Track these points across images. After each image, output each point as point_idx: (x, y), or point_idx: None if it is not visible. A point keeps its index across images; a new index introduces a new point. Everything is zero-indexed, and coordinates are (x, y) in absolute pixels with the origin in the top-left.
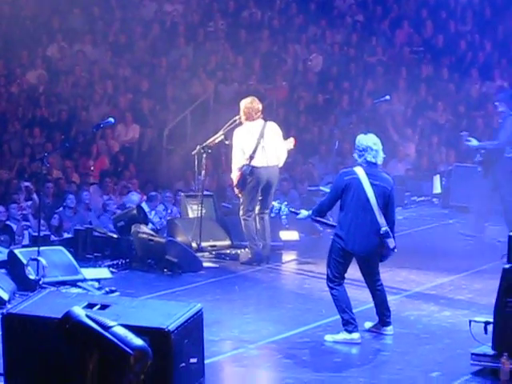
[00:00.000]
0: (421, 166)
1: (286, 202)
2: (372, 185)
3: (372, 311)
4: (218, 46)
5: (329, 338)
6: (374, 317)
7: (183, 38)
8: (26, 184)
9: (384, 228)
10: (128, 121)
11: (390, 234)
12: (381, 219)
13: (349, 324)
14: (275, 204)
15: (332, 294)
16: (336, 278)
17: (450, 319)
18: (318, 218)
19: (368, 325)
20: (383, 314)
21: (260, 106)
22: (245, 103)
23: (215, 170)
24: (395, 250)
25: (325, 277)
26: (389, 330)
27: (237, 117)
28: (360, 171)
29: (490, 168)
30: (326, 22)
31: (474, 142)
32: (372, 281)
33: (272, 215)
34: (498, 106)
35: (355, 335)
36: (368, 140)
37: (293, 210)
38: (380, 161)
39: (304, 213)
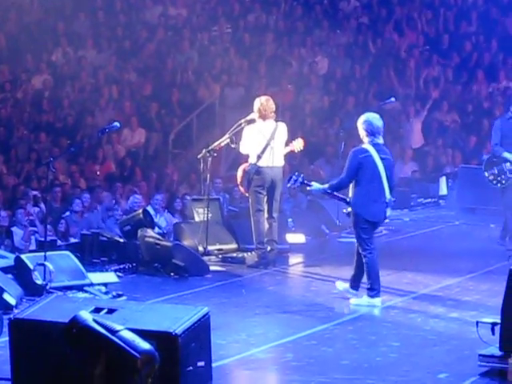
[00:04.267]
0: (427, 168)
1: (302, 174)
2: (381, 159)
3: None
4: (223, 50)
5: (353, 301)
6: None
7: (188, 41)
8: (34, 193)
9: (389, 197)
10: (134, 125)
11: (391, 203)
12: (387, 189)
13: (373, 290)
14: (294, 177)
15: (365, 259)
16: (367, 246)
17: (458, 320)
18: (333, 193)
19: (339, 284)
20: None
21: (274, 107)
22: (260, 101)
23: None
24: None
25: (331, 279)
26: (355, 293)
27: (242, 120)
28: (371, 149)
29: None
30: (331, 24)
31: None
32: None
33: (288, 185)
34: None
35: (377, 300)
36: (379, 121)
37: (306, 181)
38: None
39: (317, 185)
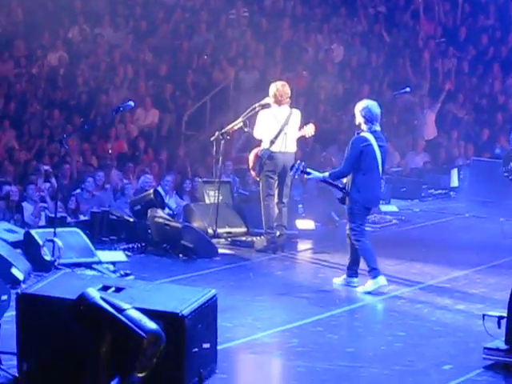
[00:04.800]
0: (439, 159)
1: (303, 163)
2: (379, 147)
3: None
4: (240, 34)
5: (360, 289)
6: None
7: (205, 24)
8: (46, 167)
9: (383, 182)
10: (148, 105)
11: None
12: (382, 175)
13: (373, 270)
14: (295, 165)
15: (358, 244)
16: (361, 231)
17: (464, 313)
18: (331, 181)
19: (337, 280)
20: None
21: (289, 92)
22: (276, 86)
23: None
24: None
25: (340, 266)
26: (356, 280)
27: (256, 104)
28: (370, 137)
29: None
30: (348, 12)
31: None
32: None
33: (290, 173)
34: None
35: (381, 278)
36: (377, 109)
37: (305, 170)
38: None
39: (315, 174)
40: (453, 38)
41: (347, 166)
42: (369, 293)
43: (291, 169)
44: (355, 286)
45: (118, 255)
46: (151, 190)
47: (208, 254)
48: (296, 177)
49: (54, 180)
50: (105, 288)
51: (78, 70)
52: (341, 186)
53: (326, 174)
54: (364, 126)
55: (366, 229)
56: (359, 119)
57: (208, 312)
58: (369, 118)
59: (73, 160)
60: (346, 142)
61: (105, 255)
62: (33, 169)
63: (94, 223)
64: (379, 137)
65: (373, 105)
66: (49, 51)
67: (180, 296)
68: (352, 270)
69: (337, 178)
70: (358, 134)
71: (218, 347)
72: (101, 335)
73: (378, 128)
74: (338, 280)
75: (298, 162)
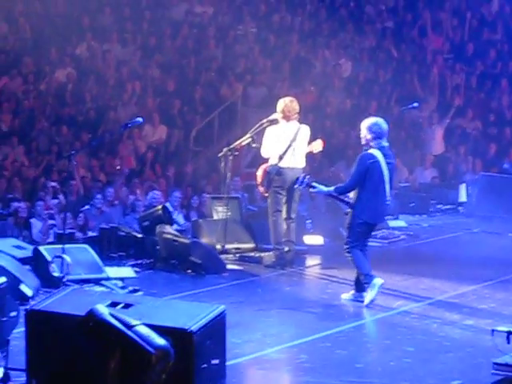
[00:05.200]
0: (447, 174)
1: (308, 176)
2: (387, 163)
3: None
4: (248, 49)
5: (367, 300)
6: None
7: (213, 39)
8: (53, 184)
9: (389, 199)
10: (155, 121)
11: (390, 205)
12: (388, 191)
13: (366, 276)
14: (300, 178)
15: (350, 256)
16: (356, 243)
17: (473, 328)
18: (337, 196)
19: (345, 296)
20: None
21: (298, 108)
22: (285, 102)
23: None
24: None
25: (348, 281)
26: (365, 295)
27: (264, 120)
28: (378, 154)
29: None
30: (356, 27)
31: None
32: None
33: (295, 186)
34: None
35: (377, 280)
36: (385, 125)
37: (313, 184)
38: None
39: (321, 187)
40: (461, 53)
41: (352, 181)
42: (372, 300)
43: (296, 181)
44: (363, 301)
45: (127, 271)
46: (159, 206)
47: (216, 270)
48: (300, 189)
49: (62, 196)
50: (113, 304)
51: (86, 87)
52: (347, 200)
53: (332, 188)
54: (372, 143)
55: (374, 244)
56: (367, 136)
57: (217, 328)
58: (378, 134)
59: (79, 176)
60: (353, 158)
61: (113, 271)
62: (41, 185)
63: (102, 239)
64: (387, 153)
65: (382, 121)
66: (57, 67)
67: (189, 312)
68: (360, 285)
69: (342, 193)
70: (365, 150)
71: (227, 363)
72: (110, 351)
73: (386, 144)
74: (347, 295)
75: (303, 174)
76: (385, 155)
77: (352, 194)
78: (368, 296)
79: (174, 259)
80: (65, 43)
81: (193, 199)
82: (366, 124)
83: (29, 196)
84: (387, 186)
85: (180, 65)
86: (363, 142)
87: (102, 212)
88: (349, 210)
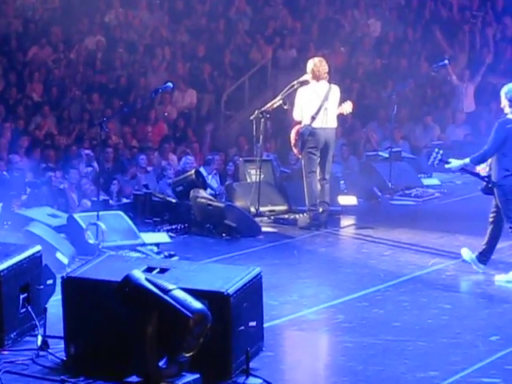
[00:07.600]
0: (480, 132)
1: (441, 151)
2: None
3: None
4: (277, 12)
5: (499, 277)
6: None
7: (242, 3)
8: (87, 152)
9: None
10: (185, 87)
11: None
12: None
13: None
14: (433, 153)
15: None
16: None
17: (509, 283)
18: (471, 170)
19: (467, 253)
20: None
21: (327, 68)
22: (313, 62)
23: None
24: None
25: (383, 241)
26: (482, 267)
27: (295, 81)
28: None
29: None
30: None
31: None
32: None
33: (429, 162)
34: None
35: None
36: None
37: (444, 159)
38: None
39: (456, 163)
40: (490, 8)
41: (492, 148)
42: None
43: (428, 157)
44: (479, 272)
45: (162, 237)
46: (193, 171)
47: (251, 233)
48: (434, 165)
49: (95, 164)
50: (149, 269)
51: (115, 54)
52: (484, 175)
53: (467, 160)
54: (509, 109)
55: (408, 203)
56: (504, 102)
57: (253, 290)
58: None
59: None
60: (385, 118)
61: (148, 237)
62: (74, 153)
63: (136, 205)
64: None
65: None
66: (86, 36)
67: (225, 275)
68: (484, 257)
69: (479, 163)
70: (502, 116)
71: (264, 325)
72: (147, 316)
73: None
74: (468, 254)
75: (436, 150)
76: None
77: (486, 168)
78: (508, 276)
79: (208, 223)
80: (93, 11)
81: (228, 165)
82: (503, 90)
83: (62, 164)
84: None
85: (209, 29)
86: (506, 110)
87: (134, 177)
88: (484, 185)
